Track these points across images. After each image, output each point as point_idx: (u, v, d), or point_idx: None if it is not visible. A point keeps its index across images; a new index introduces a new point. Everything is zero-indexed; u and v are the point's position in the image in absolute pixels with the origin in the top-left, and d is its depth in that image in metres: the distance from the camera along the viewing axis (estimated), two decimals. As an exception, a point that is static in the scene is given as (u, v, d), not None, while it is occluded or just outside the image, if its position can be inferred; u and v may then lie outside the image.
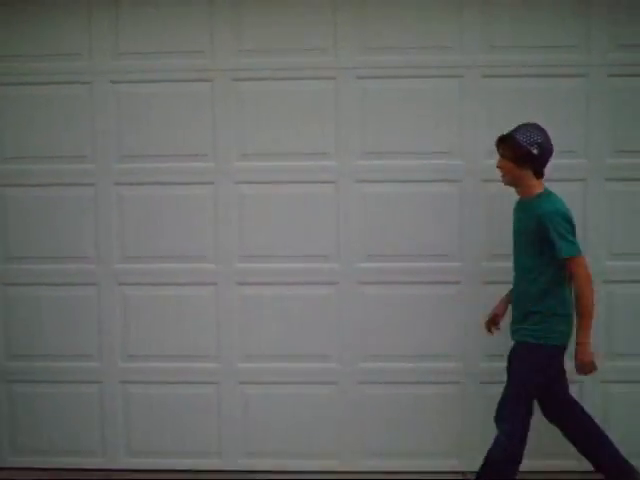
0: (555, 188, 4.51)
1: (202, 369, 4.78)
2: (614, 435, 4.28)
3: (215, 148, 4.71)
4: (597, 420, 4.28)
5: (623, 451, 4.21)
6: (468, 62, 4.61)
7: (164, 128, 4.72)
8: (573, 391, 4.38)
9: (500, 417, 4.07)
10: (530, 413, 4.07)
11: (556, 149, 4.50)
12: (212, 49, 4.68)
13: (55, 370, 4.80)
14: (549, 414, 4.27)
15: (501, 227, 4.56)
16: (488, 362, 4.66)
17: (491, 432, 4.49)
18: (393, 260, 4.70)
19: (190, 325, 4.77)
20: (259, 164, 4.70)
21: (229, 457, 4.81)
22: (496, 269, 4.60)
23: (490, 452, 4.07)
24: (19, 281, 4.81)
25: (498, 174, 4.36)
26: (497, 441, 4.05)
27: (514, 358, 4.10)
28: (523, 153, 3.99)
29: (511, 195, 4.53)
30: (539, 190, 4.05)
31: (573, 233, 3.96)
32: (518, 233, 4.13)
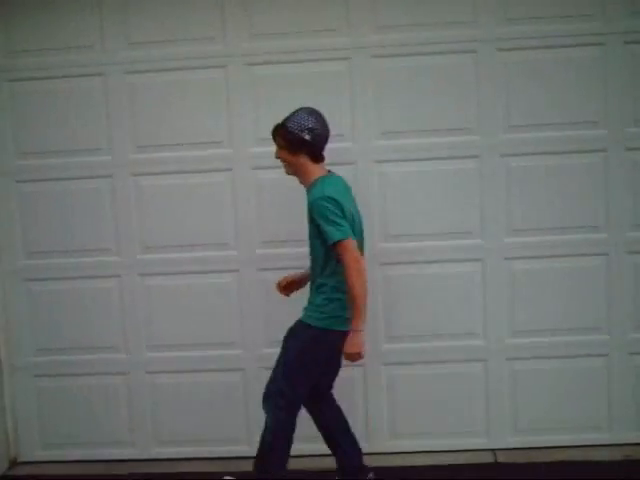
0: (575, 160, 4.51)
1: (227, 356, 4.79)
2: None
3: (231, 134, 4.70)
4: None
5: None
6: (483, 36, 4.55)
7: (179, 116, 4.71)
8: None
9: None
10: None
11: (576, 120, 4.48)
12: (224, 35, 4.66)
13: (81, 363, 4.82)
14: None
15: (522, 201, 4.53)
16: (512, 339, 4.65)
17: (520, 409, 4.51)
18: (416, 240, 4.67)
19: (213, 312, 4.77)
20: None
21: (256, 443, 4.79)
22: (520, 244, 4.57)
23: None
24: (42, 276, 4.82)
25: (515, 149, 4.37)
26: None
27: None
28: (295, 140, 3.90)
29: (530, 168, 4.52)
30: (316, 176, 3.94)
31: (341, 216, 3.78)
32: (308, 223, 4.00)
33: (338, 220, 3.76)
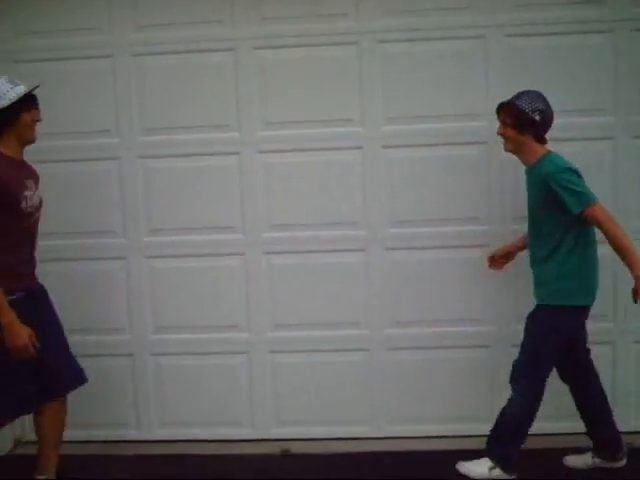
0: (582, 147, 4.50)
1: (233, 339, 4.80)
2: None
3: (239, 118, 4.70)
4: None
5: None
6: (490, 22, 4.54)
7: (187, 99, 4.71)
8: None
9: (514, 378, 4.07)
10: (546, 375, 4.05)
11: (584, 107, 4.50)
12: (232, 18, 4.66)
13: (86, 344, 4.81)
14: (564, 376, 4.24)
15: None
16: (517, 324, 4.64)
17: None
18: (421, 225, 4.67)
19: (219, 295, 4.78)
20: (284, 132, 4.68)
21: (261, 426, 4.84)
22: (524, 231, 4.56)
23: (502, 411, 4.10)
24: (47, 257, 4.79)
25: None
26: (510, 401, 4.07)
27: (531, 320, 4.09)
28: (525, 120, 3.95)
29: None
30: (541, 154, 4.00)
31: (580, 184, 3.86)
32: (529, 202, 4.09)
33: (580, 189, 3.83)
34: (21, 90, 3.82)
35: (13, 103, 3.79)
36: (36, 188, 3.96)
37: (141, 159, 4.76)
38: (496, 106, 4.09)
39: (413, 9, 4.58)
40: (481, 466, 4.09)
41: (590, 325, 4.52)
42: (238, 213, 4.74)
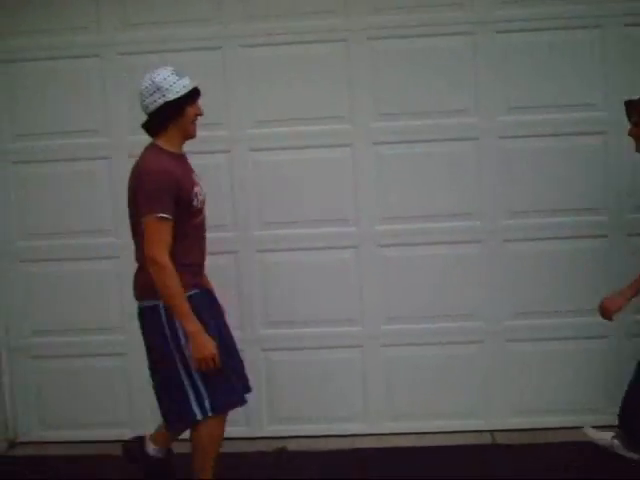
0: (573, 142, 4.50)
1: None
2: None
3: (228, 116, 4.68)
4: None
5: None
6: (480, 18, 4.53)
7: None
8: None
9: None
10: None
11: (575, 103, 4.49)
12: (220, 16, 4.64)
13: (80, 344, 4.82)
14: None
15: (518, 183, 4.54)
16: (512, 320, 4.65)
17: (518, 390, 4.53)
18: (412, 222, 4.67)
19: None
20: (273, 130, 4.67)
21: (256, 424, 4.84)
22: (515, 226, 4.58)
23: None
24: (38, 257, 4.82)
25: (517, 132, 4.47)
26: None
27: None
28: None
29: (528, 151, 4.51)
30: None
31: None
32: None
33: None
34: (187, 82, 3.67)
35: (180, 96, 3.65)
36: (200, 181, 3.82)
37: (130, 158, 4.69)
38: (623, 104, 3.99)
39: (402, 6, 4.57)
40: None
41: (583, 319, 4.55)
42: (229, 210, 4.73)
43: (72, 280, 4.82)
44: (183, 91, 3.64)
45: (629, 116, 3.94)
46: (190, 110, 3.69)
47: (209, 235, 4.61)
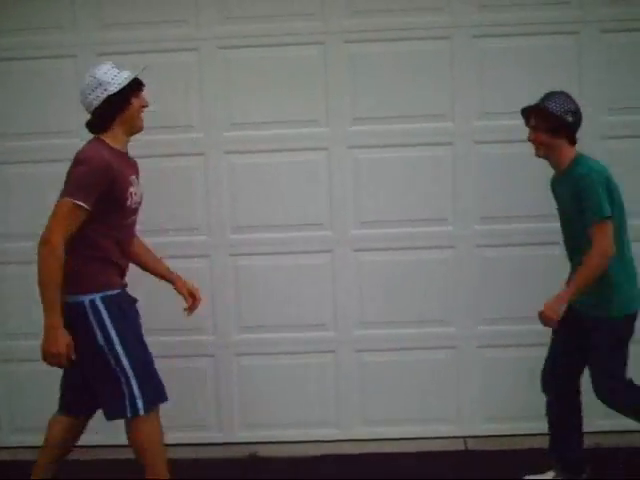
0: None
1: (198, 341, 4.77)
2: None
3: (203, 118, 4.66)
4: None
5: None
6: (457, 23, 4.53)
7: (152, 99, 4.62)
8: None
9: None
10: None
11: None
12: (197, 17, 4.61)
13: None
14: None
15: (493, 189, 4.53)
16: (485, 326, 4.64)
17: (490, 396, 4.52)
18: (387, 226, 4.66)
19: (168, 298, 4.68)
20: (249, 133, 4.65)
21: (228, 430, 4.81)
22: (489, 232, 4.57)
23: None
24: (17, 259, 4.76)
25: (491, 137, 4.42)
26: None
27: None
28: (558, 123, 3.78)
29: (504, 156, 4.52)
30: (572, 157, 3.84)
31: (605, 196, 3.67)
32: (564, 211, 3.92)
33: (601, 198, 3.65)
34: (128, 74, 3.62)
35: (123, 88, 3.58)
36: (138, 183, 3.75)
37: (105, 160, 4.71)
38: (520, 112, 3.94)
39: (379, 9, 4.55)
40: None
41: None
42: (203, 214, 4.71)
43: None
44: (125, 82, 3.60)
45: (527, 121, 3.91)
46: (135, 102, 3.66)
47: (182, 239, 4.63)
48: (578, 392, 4.07)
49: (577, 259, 3.84)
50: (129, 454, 3.82)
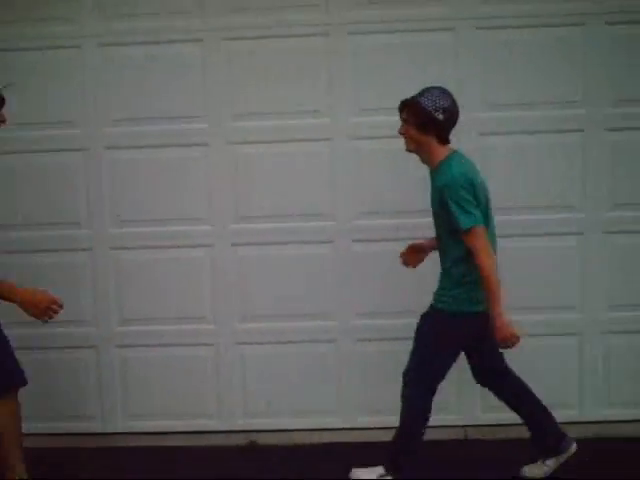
0: (555, 139, 4.55)
1: (199, 331, 4.78)
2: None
3: (207, 109, 4.67)
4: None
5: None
6: (460, 14, 4.55)
7: (155, 90, 4.67)
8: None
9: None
10: None
11: (554, 100, 4.52)
12: (201, 9, 4.62)
13: (50, 336, 4.75)
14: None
15: (498, 179, 4.56)
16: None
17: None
18: (390, 217, 4.68)
19: (186, 287, 4.75)
20: (251, 124, 4.66)
21: (228, 418, 4.82)
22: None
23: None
24: (11, 248, 4.75)
25: (496, 128, 4.49)
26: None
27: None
28: (428, 119, 3.73)
29: (506, 148, 4.54)
30: (442, 157, 3.79)
31: (473, 201, 3.67)
32: (433, 210, 3.88)
33: (468, 206, 3.65)
34: None
35: None
36: None
37: (108, 150, 4.72)
38: (398, 104, 3.89)
39: (384, 0, 4.58)
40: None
41: (557, 316, 4.58)
42: (205, 204, 4.72)
43: (44, 272, 4.75)
44: None
45: (400, 113, 3.87)
46: None
47: (184, 229, 4.62)
48: (508, 373, 4.10)
49: (442, 259, 3.89)
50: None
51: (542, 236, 4.65)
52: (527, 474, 4.12)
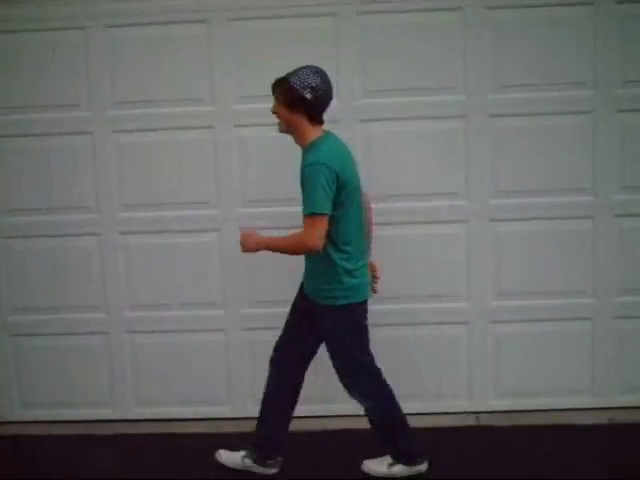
0: (564, 121, 4.47)
1: (210, 316, 4.75)
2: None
3: (213, 91, 4.61)
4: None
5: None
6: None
7: (160, 72, 4.61)
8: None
9: None
10: None
11: (563, 81, 4.44)
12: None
13: (60, 322, 4.76)
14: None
15: (509, 160, 4.49)
16: (497, 302, 4.61)
17: (500, 372, 4.50)
18: (404, 200, 4.62)
19: (194, 271, 4.71)
20: (259, 106, 4.56)
21: (239, 404, 4.80)
22: (502, 206, 4.55)
23: None
24: (20, 234, 4.74)
25: (501, 110, 4.42)
26: None
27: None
28: (296, 97, 3.66)
29: (517, 130, 4.45)
30: (313, 138, 3.72)
31: (328, 188, 3.58)
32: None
33: (321, 192, 3.57)
34: None
35: None
36: None
37: (114, 133, 4.67)
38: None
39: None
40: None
41: (569, 301, 4.51)
42: (213, 188, 4.67)
43: (53, 257, 4.75)
44: None
45: (272, 92, 3.79)
46: None
47: (193, 212, 4.59)
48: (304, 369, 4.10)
49: None
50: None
51: (554, 219, 4.58)
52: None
